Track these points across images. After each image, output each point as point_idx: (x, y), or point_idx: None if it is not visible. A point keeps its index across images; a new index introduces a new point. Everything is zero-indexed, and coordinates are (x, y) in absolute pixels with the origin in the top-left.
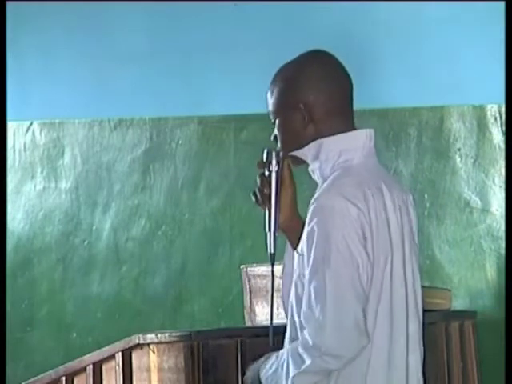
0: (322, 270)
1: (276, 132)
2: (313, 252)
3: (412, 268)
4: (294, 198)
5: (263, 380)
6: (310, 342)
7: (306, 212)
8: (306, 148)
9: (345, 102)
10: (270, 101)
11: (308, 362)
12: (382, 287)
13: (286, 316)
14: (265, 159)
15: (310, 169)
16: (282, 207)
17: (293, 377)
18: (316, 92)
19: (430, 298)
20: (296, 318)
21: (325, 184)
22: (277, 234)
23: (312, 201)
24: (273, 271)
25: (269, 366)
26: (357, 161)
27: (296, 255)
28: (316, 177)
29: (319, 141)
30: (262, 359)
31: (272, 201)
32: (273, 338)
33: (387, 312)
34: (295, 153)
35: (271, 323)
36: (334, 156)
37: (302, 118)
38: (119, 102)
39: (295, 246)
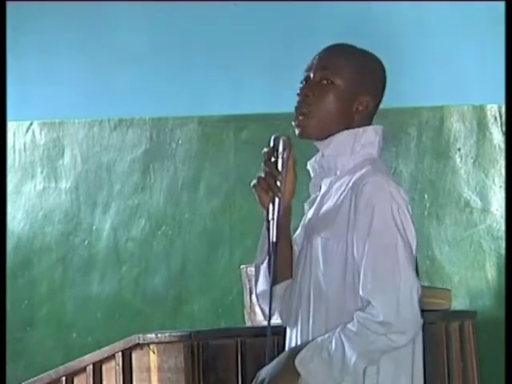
0: (390, 252)
1: (312, 98)
2: (373, 232)
3: None
4: (294, 189)
5: (304, 373)
6: (380, 319)
7: (303, 212)
8: (330, 139)
9: (379, 103)
10: (331, 65)
11: (375, 339)
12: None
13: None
14: (272, 145)
15: (319, 160)
16: (285, 195)
17: (356, 357)
18: (377, 89)
19: (430, 298)
20: (324, 304)
21: (363, 170)
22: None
23: (358, 179)
24: (275, 260)
25: (308, 356)
26: (375, 154)
27: (319, 240)
28: (330, 169)
29: (342, 133)
30: (285, 354)
31: (280, 188)
32: (271, 338)
33: None
34: (317, 143)
35: (269, 322)
36: (355, 148)
37: (350, 107)
38: (119, 102)
39: (278, 237)
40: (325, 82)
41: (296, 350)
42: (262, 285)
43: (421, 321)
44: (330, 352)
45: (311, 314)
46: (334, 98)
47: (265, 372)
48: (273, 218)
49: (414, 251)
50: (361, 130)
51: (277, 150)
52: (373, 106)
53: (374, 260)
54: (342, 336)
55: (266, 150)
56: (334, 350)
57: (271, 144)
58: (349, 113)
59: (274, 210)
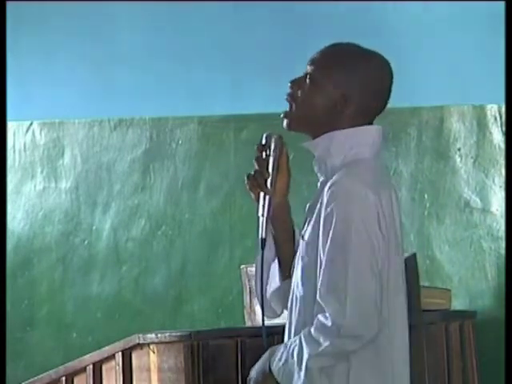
0: (341, 253)
1: (296, 92)
2: (331, 235)
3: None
4: (288, 186)
5: (275, 373)
6: (329, 323)
7: (303, 212)
8: (317, 139)
9: (383, 103)
10: (318, 62)
11: (325, 343)
12: (397, 276)
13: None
14: (264, 143)
15: (315, 161)
16: (276, 192)
17: (307, 359)
18: (363, 96)
19: (430, 298)
20: (302, 306)
21: (339, 172)
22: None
23: (328, 185)
24: (263, 257)
25: (278, 357)
26: (367, 155)
27: (301, 242)
28: (321, 169)
29: (331, 133)
30: (266, 355)
31: (268, 184)
32: (268, 338)
33: (403, 301)
34: (306, 144)
35: (263, 320)
36: (345, 149)
37: (334, 105)
38: (119, 102)
39: (277, 234)
40: (308, 77)
41: (273, 351)
42: (275, 283)
43: (379, 324)
44: (290, 354)
45: (293, 313)
46: (315, 94)
47: (252, 371)
48: (262, 215)
49: (378, 252)
50: (351, 130)
51: (269, 148)
52: (363, 105)
53: (328, 264)
54: (302, 338)
55: (257, 146)
56: (292, 352)
57: (263, 141)
58: (333, 111)
59: (263, 206)
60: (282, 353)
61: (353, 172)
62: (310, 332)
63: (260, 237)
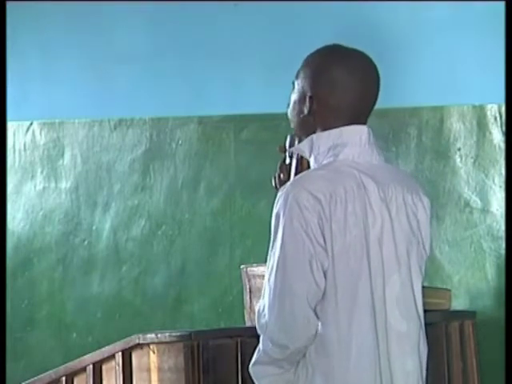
0: (273, 259)
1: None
2: (271, 240)
3: (408, 267)
4: None
5: (251, 374)
6: (261, 333)
7: None
8: (301, 144)
9: (358, 107)
10: (298, 73)
11: (260, 351)
12: (359, 283)
13: None
14: (288, 145)
15: (311, 164)
16: None
17: (250, 367)
18: (329, 92)
19: (429, 298)
20: None
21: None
22: None
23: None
24: None
25: (253, 358)
26: (343, 156)
27: None
28: None
29: (311, 137)
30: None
31: None
32: None
33: (367, 309)
34: (294, 149)
35: None
36: (324, 152)
37: (304, 108)
38: (119, 102)
39: None
40: (292, 85)
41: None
42: None
43: (307, 333)
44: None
45: None
46: (294, 101)
47: None
48: None
49: (319, 258)
50: (333, 132)
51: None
52: (332, 105)
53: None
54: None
55: (279, 147)
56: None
57: (287, 143)
58: (302, 113)
59: None
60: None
61: (304, 176)
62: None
63: None
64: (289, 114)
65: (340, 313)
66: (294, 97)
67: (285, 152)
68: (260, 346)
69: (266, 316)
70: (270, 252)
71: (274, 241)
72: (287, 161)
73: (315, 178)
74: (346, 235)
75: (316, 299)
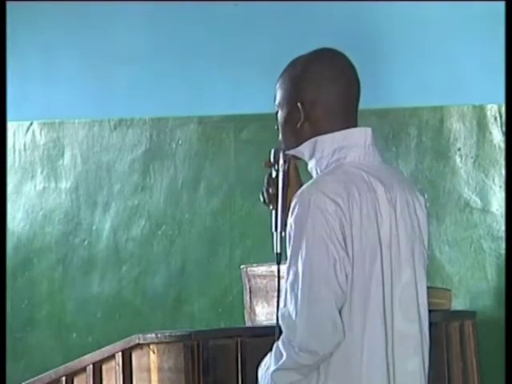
0: (296, 266)
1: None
2: (290, 247)
3: (413, 267)
4: None
5: (259, 379)
6: (286, 339)
7: None
8: (301, 146)
9: (346, 102)
10: (276, 94)
11: (284, 357)
12: (371, 286)
13: None
14: (272, 158)
15: (309, 167)
16: (288, 207)
17: (272, 373)
18: (316, 91)
19: (430, 298)
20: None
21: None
22: (283, 234)
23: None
24: (279, 270)
25: (263, 363)
26: (350, 158)
27: None
28: (314, 175)
29: (313, 139)
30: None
31: (279, 200)
32: (267, 338)
33: (379, 311)
34: (292, 151)
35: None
36: (328, 154)
37: (299, 116)
38: (119, 102)
39: (282, 248)
40: (276, 113)
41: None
42: None
43: (335, 339)
44: (270, 362)
45: None
46: (284, 123)
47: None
48: (275, 230)
49: (342, 263)
50: (335, 135)
51: (277, 163)
52: (320, 103)
53: (286, 281)
54: (274, 349)
55: (264, 162)
56: (270, 360)
57: (271, 157)
58: (300, 124)
59: (276, 222)
60: (267, 360)
61: (318, 181)
62: (277, 344)
63: (275, 252)
64: (280, 128)
65: (353, 315)
66: (284, 111)
67: (271, 166)
68: (282, 352)
69: (296, 323)
70: (290, 258)
71: (296, 247)
72: (273, 174)
73: (330, 182)
74: (362, 238)
75: (341, 304)
